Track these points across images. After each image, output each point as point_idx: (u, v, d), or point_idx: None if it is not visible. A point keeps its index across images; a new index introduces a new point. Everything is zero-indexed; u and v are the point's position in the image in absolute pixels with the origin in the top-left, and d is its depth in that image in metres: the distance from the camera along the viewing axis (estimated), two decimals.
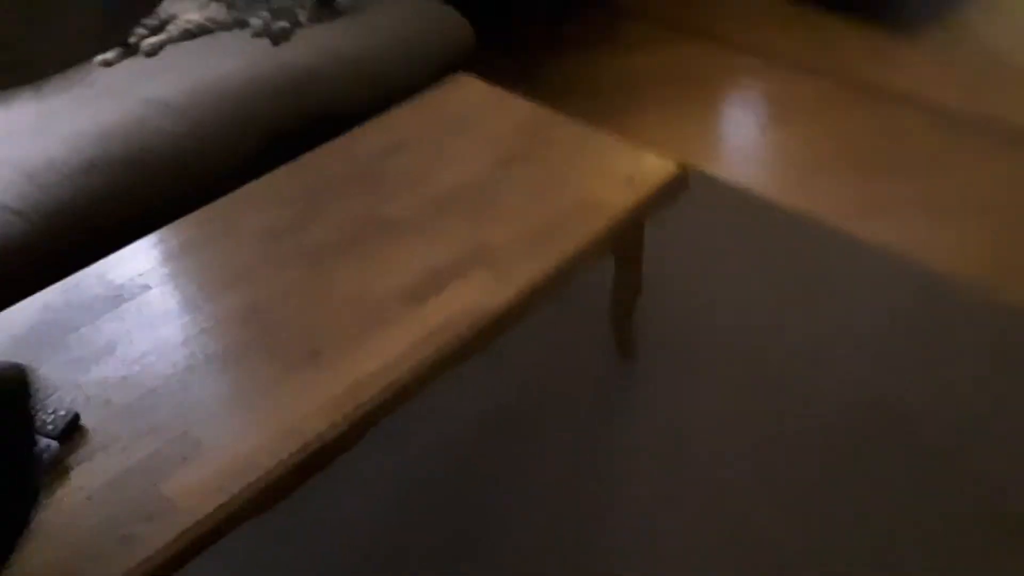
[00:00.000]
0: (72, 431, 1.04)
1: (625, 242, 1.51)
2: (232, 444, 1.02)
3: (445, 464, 1.57)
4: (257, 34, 1.99)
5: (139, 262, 1.31)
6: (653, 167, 1.42)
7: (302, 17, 2.03)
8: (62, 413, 1.04)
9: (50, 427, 1.02)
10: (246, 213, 1.40)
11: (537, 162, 1.46)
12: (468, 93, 1.67)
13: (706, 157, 2.27)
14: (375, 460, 1.53)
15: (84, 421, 1.05)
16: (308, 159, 1.52)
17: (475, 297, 1.20)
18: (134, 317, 1.21)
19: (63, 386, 1.10)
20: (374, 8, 2.09)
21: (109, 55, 2.03)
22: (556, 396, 1.67)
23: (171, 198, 1.66)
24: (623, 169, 1.42)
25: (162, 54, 2.05)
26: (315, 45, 1.94)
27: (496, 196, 1.39)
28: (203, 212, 1.41)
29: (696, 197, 2.06)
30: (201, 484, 0.97)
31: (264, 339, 1.16)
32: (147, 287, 1.26)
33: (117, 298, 1.24)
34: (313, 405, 1.06)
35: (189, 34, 2.11)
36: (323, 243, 1.31)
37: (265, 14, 2.05)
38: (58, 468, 0.99)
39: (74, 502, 0.96)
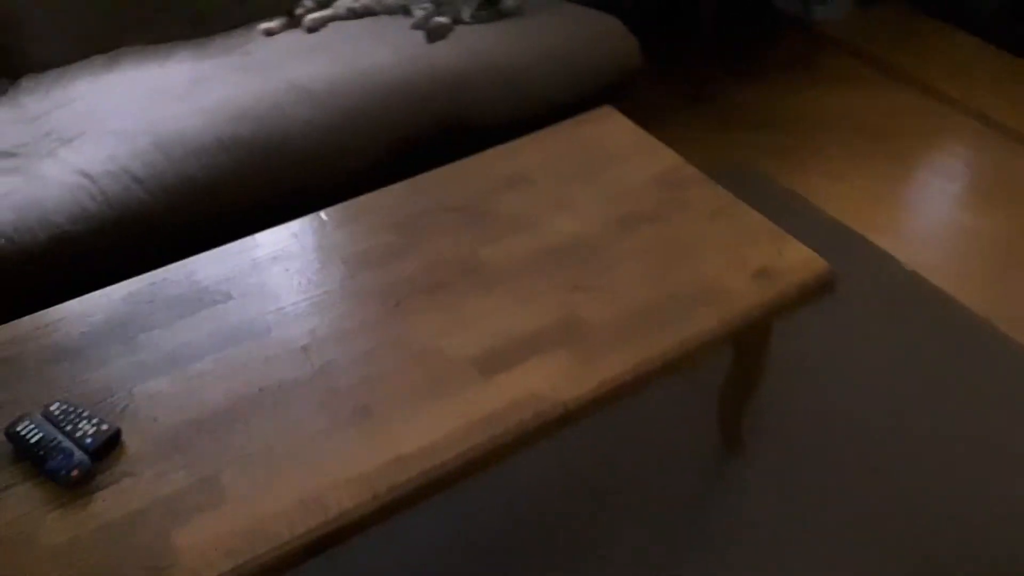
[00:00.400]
0: (111, 448, 1.01)
1: (748, 336, 1.31)
2: (255, 502, 0.95)
3: (500, 538, 1.44)
4: (417, 26, 1.91)
5: (228, 266, 1.27)
6: (796, 260, 1.21)
7: (465, 14, 1.94)
8: (104, 427, 1.02)
9: (89, 440, 1.00)
10: (345, 232, 1.33)
11: (664, 227, 1.29)
12: (609, 130, 1.51)
13: (881, 226, 1.98)
14: (417, 520, 1.43)
15: (126, 437, 1.03)
16: (424, 180, 1.43)
17: (551, 382, 1.06)
18: (206, 328, 1.17)
19: (118, 391, 1.09)
20: (537, 15, 1.95)
21: (273, 24, 2.04)
22: (642, 479, 1.51)
23: (292, 191, 1.64)
24: (760, 255, 1.22)
25: (322, 31, 2.03)
26: (470, 47, 1.84)
27: (607, 260, 1.24)
28: (304, 222, 1.36)
29: (857, 271, 1.81)
30: (212, 542, 0.91)
31: (319, 382, 1.09)
32: (228, 296, 1.22)
33: (198, 303, 1.21)
34: (346, 475, 0.97)
35: (354, 13, 2.08)
36: (409, 282, 1.22)
37: (429, 5, 1.97)
38: (86, 487, 0.97)
39: (85, 531, 0.93)
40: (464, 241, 1.29)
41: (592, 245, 1.27)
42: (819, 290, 1.19)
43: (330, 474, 0.98)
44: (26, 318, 1.20)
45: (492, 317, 1.16)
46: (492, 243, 1.28)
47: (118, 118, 1.68)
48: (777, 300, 1.16)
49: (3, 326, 1.20)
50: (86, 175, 1.54)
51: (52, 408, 1.04)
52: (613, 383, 1.07)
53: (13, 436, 1.01)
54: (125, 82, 1.83)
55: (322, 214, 1.37)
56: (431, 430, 1.02)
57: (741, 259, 1.21)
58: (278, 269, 1.27)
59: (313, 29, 2.02)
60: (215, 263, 1.28)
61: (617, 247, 1.26)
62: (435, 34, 1.88)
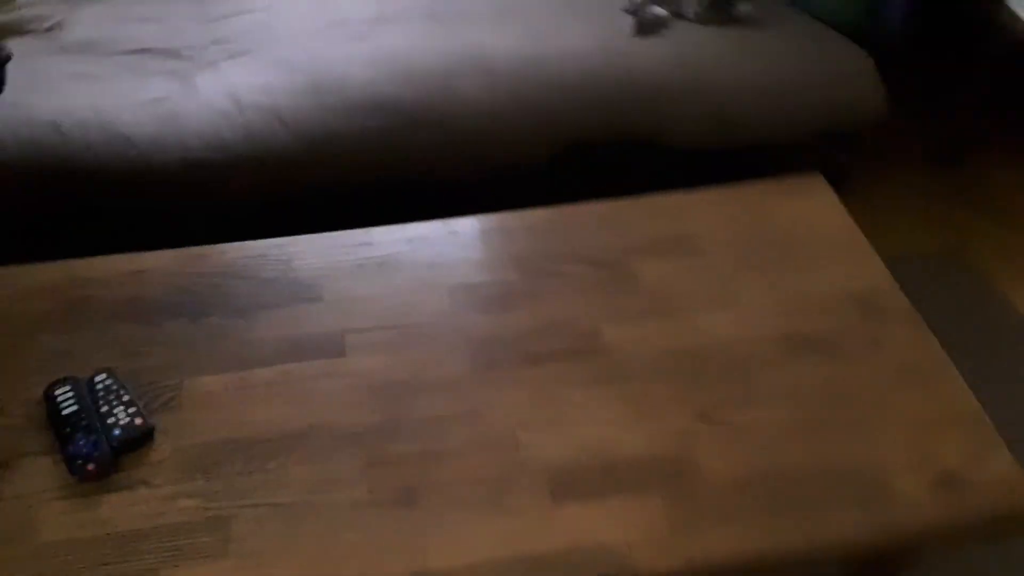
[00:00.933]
0: (138, 446, 0.92)
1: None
2: (254, 568, 0.83)
3: None
4: (629, 11, 1.66)
5: (330, 258, 1.14)
6: (999, 474, 0.91)
7: (688, 9, 1.66)
8: (139, 421, 0.92)
9: (118, 431, 0.91)
10: (465, 254, 1.16)
11: (839, 367, 1.02)
12: (811, 210, 1.23)
13: None
14: None
15: (158, 437, 0.93)
16: (572, 212, 1.22)
17: (630, 536, 0.86)
18: (281, 329, 1.05)
19: (171, 377, 0.99)
20: (772, 29, 1.64)
21: None
22: None
23: (439, 176, 1.48)
24: (952, 452, 0.92)
25: None
26: (683, 52, 1.57)
27: (754, 389, 0.99)
28: (428, 228, 1.19)
29: None
30: None
31: (374, 440, 0.94)
32: (318, 297, 1.09)
33: (284, 295, 1.09)
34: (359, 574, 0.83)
35: None
36: (512, 342, 1.04)
37: None
38: (98, 483, 0.89)
39: (82, 536, 0.84)
40: (592, 308, 1.08)
41: (742, 361, 1.02)
42: (1019, 529, 0.90)
43: (342, 567, 0.84)
44: (116, 257, 1.13)
45: (591, 421, 0.96)
46: (623, 321, 1.07)
47: (288, 44, 1.57)
48: (959, 528, 0.88)
49: (95, 259, 1.13)
50: (236, 101, 1.45)
51: (98, 379, 0.96)
52: (707, 566, 0.85)
53: (50, 399, 0.94)
54: (312, 2, 1.72)
55: (451, 224, 1.20)
56: (471, 550, 0.84)
57: (924, 449, 0.93)
58: (379, 279, 1.12)
59: None
60: (317, 251, 1.15)
61: (771, 374, 1.01)
62: (647, 26, 1.62)
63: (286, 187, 1.44)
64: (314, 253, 1.15)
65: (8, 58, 1.03)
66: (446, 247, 1.17)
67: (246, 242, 1.16)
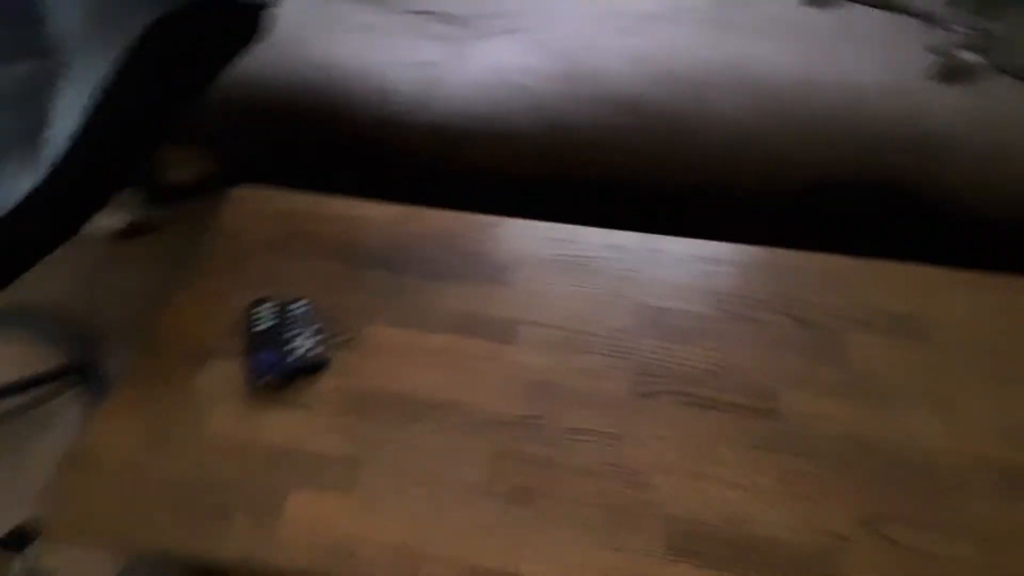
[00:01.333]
0: (309, 374, 1.00)
1: None
2: (363, 516, 0.87)
3: None
4: (934, 51, 1.46)
5: (527, 246, 1.14)
6: None
7: (1013, 61, 1.42)
8: (315, 352, 1.00)
9: (294, 358, 0.99)
10: (666, 270, 1.10)
11: None
12: None
13: None
14: None
15: (329, 371, 1.00)
16: (790, 259, 1.11)
17: None
18: (477, 304, 1.07)
19: (356, 318, 1.05)
20: None
21: None
22: None
23: (671, 189, 1.42)
24: None
25: (825, 8, 1.67)
26: (988, 107, 1.35)
27: (943, 515, 0.84)
28: (638, 240, 1.15)
29: None
30: (309, 528, 0.86)
31: (507, 433, 0.93)
32: (501, 281, 1.10)
33: (473, 270, 1.12)
34: (456, 560, 0.84)
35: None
36: (673, 377, 0.97)
37: (965, 30, 1.49)
38: (266, 398, 0.97)
39: (236, 442, 0.93)
40: (778, 366, 0.98)
41: (940, 477, 0.87)
42: None
43: (442, 542, 0.85)
44: (342, 200, 1.21)
45: (736, 486, 0.88)
46: (809, 390, 0.95)
47: (557, 28, 1.59)
48: None
49: (323, 198, 1.22)
50: (497, 77, 1.49)
51: (295, 305, 1.05)
52: None
53: (251, 313, 1.05)
54: None
55: (658, 240, 1.15)
56: (566, 572, 0.82)
57: None
58: (569, 278, 1.10)
59: (816, 1, 1.68)
60: (520, 236, 1.16)
61: (973, 503, 0.85)
62: (954, 73, 1.42)
63: (521, 168, 1.47)
64: (516, 238, 1.16)
65: (264, 5, 1.09)
66: (645, 263, 1.12)
67: (459, 213, 1.20)
